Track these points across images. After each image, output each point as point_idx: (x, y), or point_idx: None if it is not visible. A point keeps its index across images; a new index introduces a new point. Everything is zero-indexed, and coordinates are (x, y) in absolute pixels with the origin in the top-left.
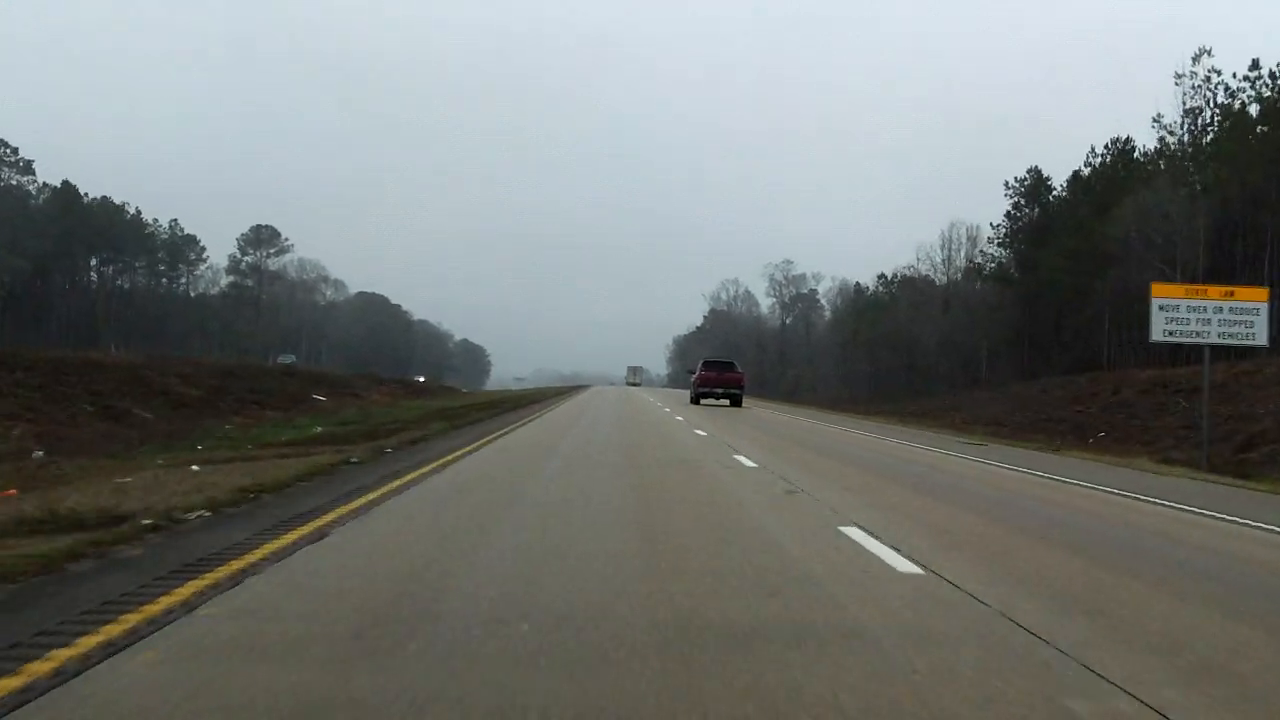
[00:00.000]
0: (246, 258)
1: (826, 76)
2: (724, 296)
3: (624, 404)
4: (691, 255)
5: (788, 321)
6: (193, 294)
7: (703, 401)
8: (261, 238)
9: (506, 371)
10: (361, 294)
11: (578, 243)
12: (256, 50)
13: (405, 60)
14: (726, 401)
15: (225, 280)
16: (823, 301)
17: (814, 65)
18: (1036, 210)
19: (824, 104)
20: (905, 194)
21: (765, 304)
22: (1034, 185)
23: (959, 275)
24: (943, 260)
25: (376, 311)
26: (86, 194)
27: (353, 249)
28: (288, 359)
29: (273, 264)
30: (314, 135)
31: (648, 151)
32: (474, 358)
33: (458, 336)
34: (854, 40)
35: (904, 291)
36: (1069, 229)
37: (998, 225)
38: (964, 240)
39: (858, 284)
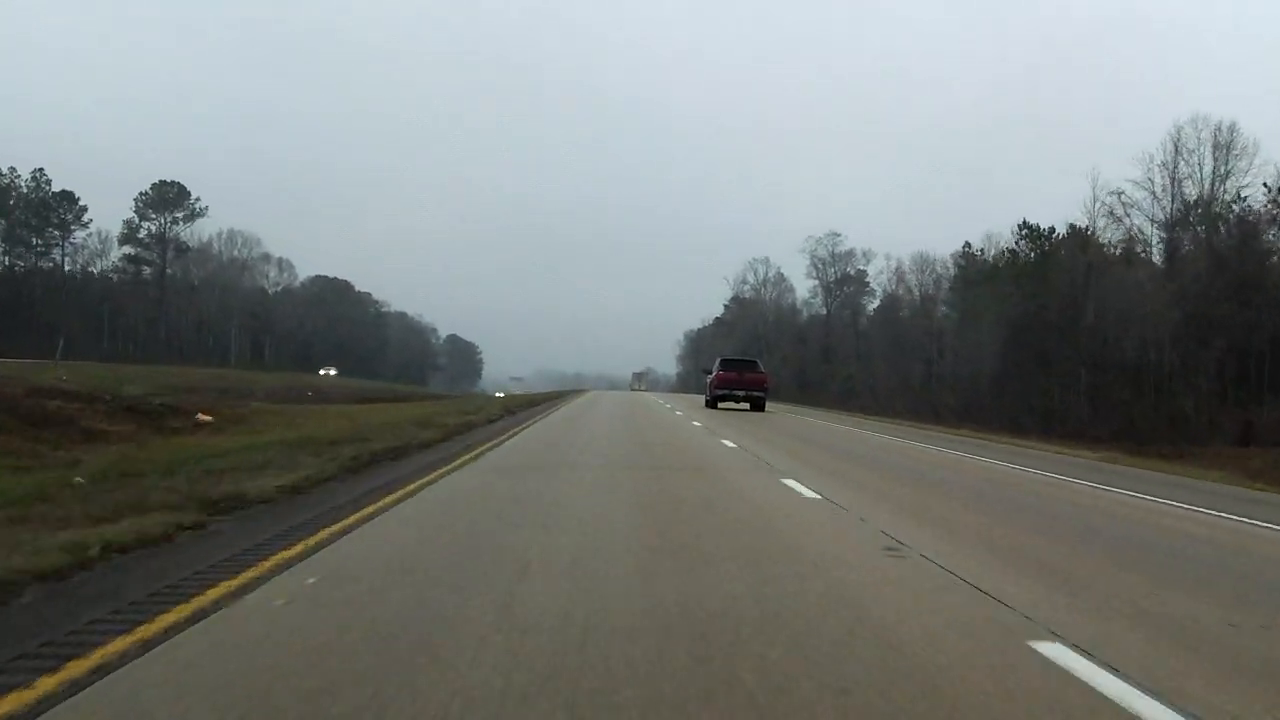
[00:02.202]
0: (146, 224)
1: (842, 49)
2: (751, 280)
3: (631, 427)
4: (703, 249)
5: (832, 309)
6: (80, 269)
7: (720, 405)
8: (166, 198)
9: (502, 371)
10: (319, 278)
11: (581, 236)
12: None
13: (395, 43)
14: (746, 406)
15: (119, 252)
16: (873, 285)
17: (828, 39)
18: None
19: (844, 82)
20: (953, 171)
21: (805, 288)
22: None
23: (1193, 210)
24: (1166, 186)
25: (338, 300)
26: None
27: (343, 246)
28: None
29: (187, 234)
30: (295, 122)
31: (653, 139)
32: (464, 356)
33: (443, 332)
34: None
35: (1074, 249)
36: None
37: None
38: (1206, 145)
39: (966, 245)
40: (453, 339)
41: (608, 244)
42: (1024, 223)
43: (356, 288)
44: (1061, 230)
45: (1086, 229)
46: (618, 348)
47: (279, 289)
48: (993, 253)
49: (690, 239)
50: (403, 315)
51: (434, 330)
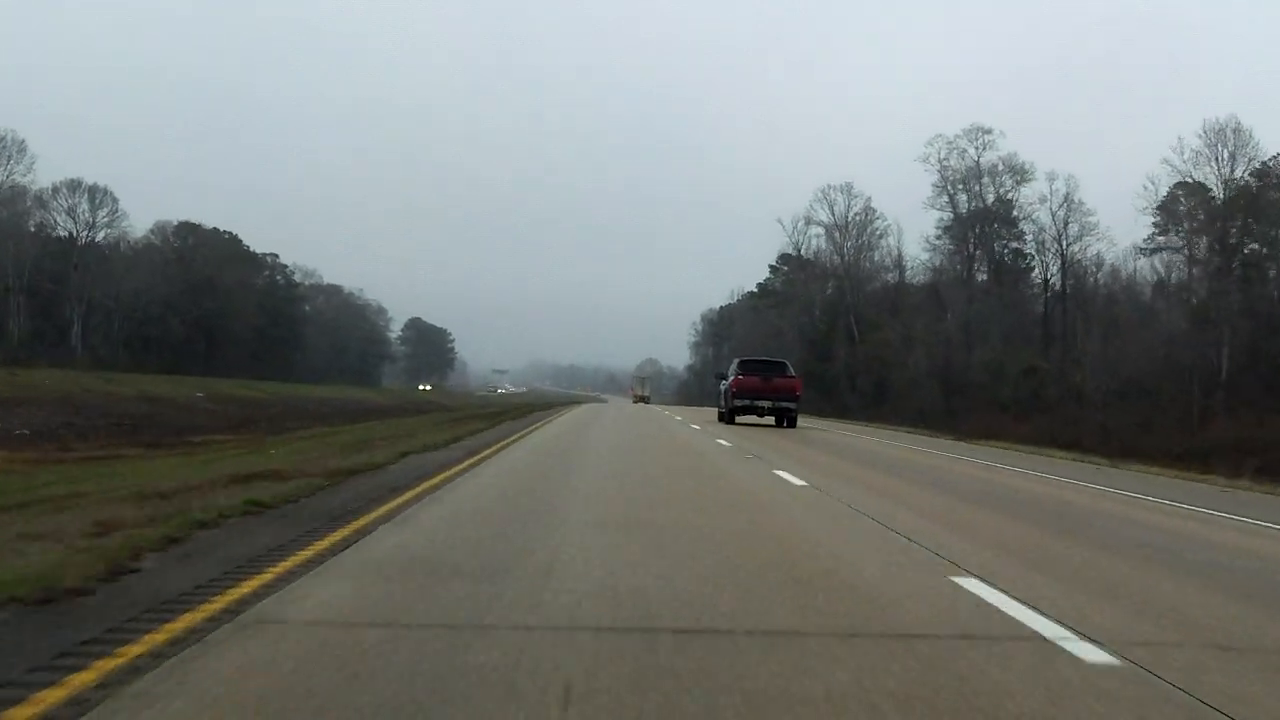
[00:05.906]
0: None
1: None
2: (825, 218)
3: None
4: (725, 216)
5: (975, 258)
6: None
7: (738, 420)
8: None
9: (485, 362)
10: (184, 224)
11: (578, 213)
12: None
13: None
14: (771, 420)
15: None
16: (1030, 224)
17: None
18: None
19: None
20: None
21: (925, 226)
22: None
23: None
24: None
25: (221, 262)
26: None
27: (328, 237)
28: None
29: None
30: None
31: (657, 113)
32: (430, 345)
33: (395, 315)
34: None
35: None
36: None
37: None
38: None
39: None
40: (415, 324)
41: (606, 221)
42: None
43: (250, 247)
44: None
45: None
46: (620, 336)
47: (100, 237)
48: None
49: (705, 211)
50: (337, 289)
51: (382, 311)
